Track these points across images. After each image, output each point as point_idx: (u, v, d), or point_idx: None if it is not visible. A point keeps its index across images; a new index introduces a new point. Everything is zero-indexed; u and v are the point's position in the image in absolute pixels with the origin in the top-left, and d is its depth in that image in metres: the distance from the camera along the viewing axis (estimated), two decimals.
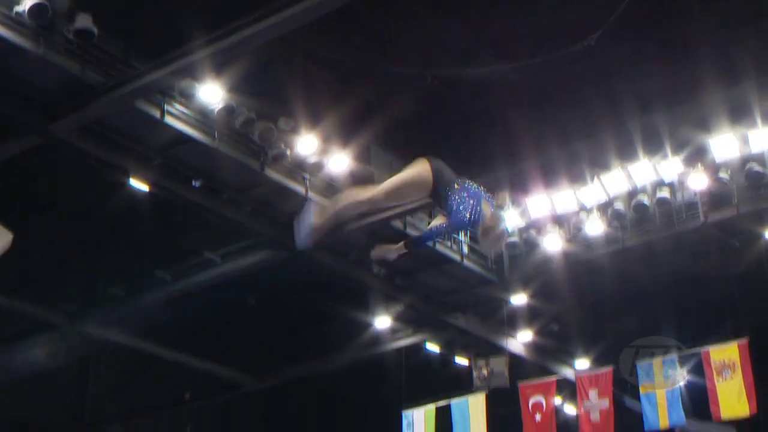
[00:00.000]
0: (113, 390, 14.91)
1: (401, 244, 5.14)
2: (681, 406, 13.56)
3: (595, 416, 14.00)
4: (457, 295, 13.11)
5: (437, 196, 5.07)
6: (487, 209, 5.00)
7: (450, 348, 14.45)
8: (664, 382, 13.65)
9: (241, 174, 10.65)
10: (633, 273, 12.30)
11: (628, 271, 12.22)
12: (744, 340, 11.98)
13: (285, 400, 15.34)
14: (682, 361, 12.79)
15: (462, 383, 14.33)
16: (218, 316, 13.56)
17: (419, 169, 5.05)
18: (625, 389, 14.32)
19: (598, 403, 13.92)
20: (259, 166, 10.55)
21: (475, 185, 5.09)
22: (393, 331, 13.87)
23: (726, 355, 12.66)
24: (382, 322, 13.71)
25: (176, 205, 11.08)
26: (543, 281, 12.56)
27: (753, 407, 12.77)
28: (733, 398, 12.91)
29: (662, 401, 13.68)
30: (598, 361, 13.97)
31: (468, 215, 4.93)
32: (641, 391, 13.75)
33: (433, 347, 14.48)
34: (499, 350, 13.91)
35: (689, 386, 13.60)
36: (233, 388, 14.59)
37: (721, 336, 12.27)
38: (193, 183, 10.67)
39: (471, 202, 4.94)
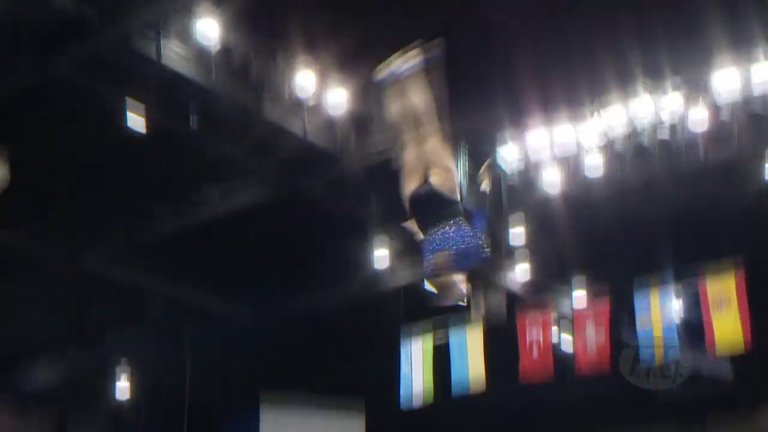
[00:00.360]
0: (111, 326, 15.01)
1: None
2: (677, 340, 13.72)
3: (592, 350, 14.18)
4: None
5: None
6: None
7: None
8: (660, 315, 13.78)
9: (239, 112, 10.59)
10: (631, 208, 12.29)
11: (626, 206, 12.21)
12: (741, 272, 12.04)
13: (283, 336, 15.46)
14: (679, 293, 12.89)
15: (460, 317, 14.43)
16: (217, 252, 13.60)
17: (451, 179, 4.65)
18: (621, 324, 14.43)
19: (594, 337, 14.08)
20: (256, 104, 10.47)
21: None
22: (391, 267, 13.91)
23: (723, 286, 12.76)
24: (381, 258, 13.73)
25: (173, 143, 11.02)
26: (541, 217, 12.56)
27: (748, 341, 12.92)
28: (728, 331, 13.05)
29: (658, 335, 13.83)
30: (595, 296, 14.04)
31: None
32: (638, 324, 13.90)
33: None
34: (497, 285, 13.98)
35: (685, 321, 13.72)
36: (232, 323, 14.73)
37: (719, 269, 12.32)
38: (191, 122, 10.62)
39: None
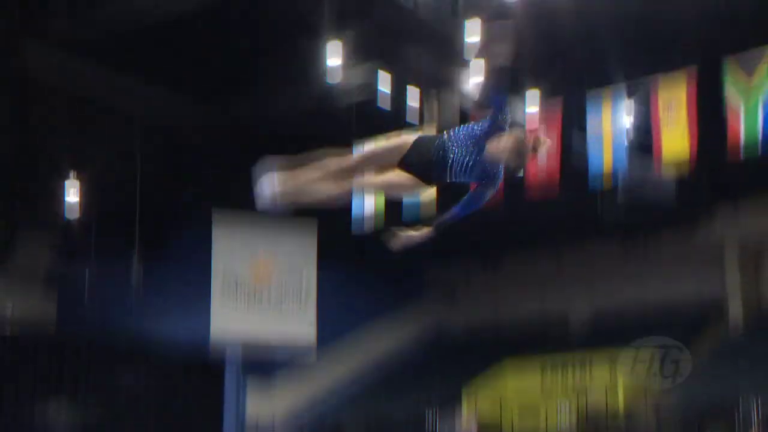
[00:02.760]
0: (60, 121, 14.61)
1: (425, 228, 4.68)
2: (625, 147, 13.82)
3: (542, 158, 14.22)
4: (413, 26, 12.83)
5: (410, 162, 4.52)
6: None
7: (401, 85, 14.28)
8: (611, 120, 13.81)
9: None
10: (588, 7, 12.08)
11: (584, 4, 12.00)
12: (693, 70, 11.95)
13: (232, 139, 15.29)
14: (630, 93, 12.83)
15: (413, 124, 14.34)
16: (168, 47, 13.16)
17: (399, 138, 4.59)
18: (572, 129, 14.43)
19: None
20: None
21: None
22: (345, 66, 13.63)
23: (674, 87, 12.72)
24: (334, 54, 13.43)
25: None
26: (496, 12, 12.28)
27: (694, 148, 13.03)
28: (675, 137, 13.15)
29: (608, 141, 13.89)
30: (548, 95, 13.97)
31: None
32: (588, 130, 13.93)
33: (384, 86, 14.29)
34: (450, 86, 13.83)
35: (635, 130, 13.76)
36: (184, 121, 14.43)
37: (672, 68, 12.25)
38: None
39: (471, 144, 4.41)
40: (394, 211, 14.51)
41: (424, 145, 4.53)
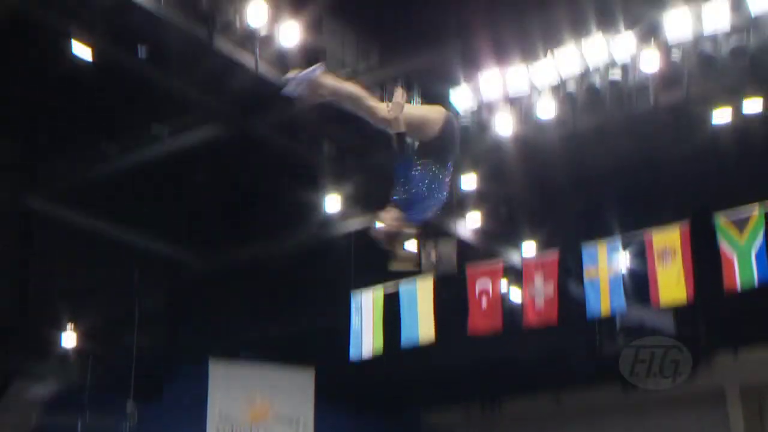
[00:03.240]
0: (57, 269, 14.70)
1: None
2: (622, 292, 13.86)
3: (540, 302, 14.22)
4: None
5: (433, 147, 4.90)
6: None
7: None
8: (607, 267, 13.90)
9: (189, 44, 10.38)
10: (582, 155, 12.38)
11: (578, 153, 12.29)
12: (686, 225, 12.18)
13: (232, 283, 15.32)
14: (626, 245, 13.00)
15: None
16: (165, 193, 13.39)
17: (436, 111, 5.02)
18: (569, 275, 14.53)
19: (543, 288, 14.14)
20: (207, 36, 10.28)
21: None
22: (343, 214, 13.82)
23: (668, 239, 12.90)
24: (332, 203, 13.64)
25: (121, 75, 10.79)
26: (493, 163, 12.56)
27: (690, 293, 13.10)
28: (672, 283, 13.21)
29: (605, 287, 13.94)
30: (545, 246, 14.12)
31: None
32: (585, 276, 14.00)
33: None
34: (448, 234, 13.98)
35: (631, 273, 13.87)
36: (181, 268, 14.52)
37: (665, 220, 12.45)
38: (139, 52, 10.38)
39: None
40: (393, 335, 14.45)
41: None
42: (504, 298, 14.31)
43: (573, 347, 16.58)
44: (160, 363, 16.83)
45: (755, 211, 11.54)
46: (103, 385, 16.04)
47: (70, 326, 15.08)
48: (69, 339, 15.32)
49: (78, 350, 15.44)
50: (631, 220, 12.98)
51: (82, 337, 15.39)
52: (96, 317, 15.14)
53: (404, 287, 14.54)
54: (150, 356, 16.11)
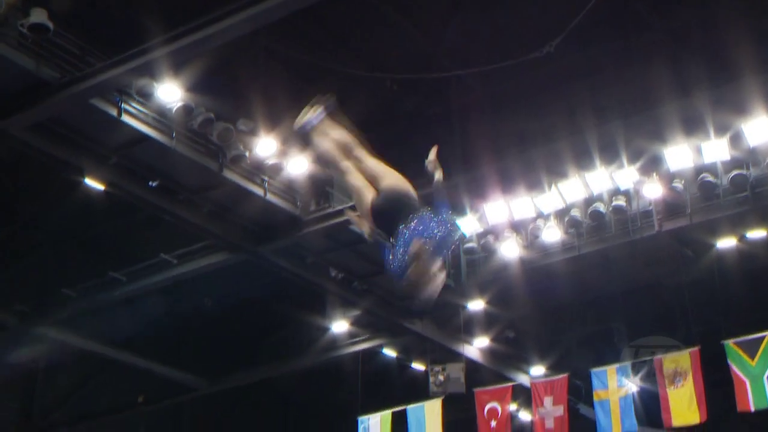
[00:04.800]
0: (65, 393, 14.65)
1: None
2: (633, 413, 13.69)
3: (550, 423, 14.07)
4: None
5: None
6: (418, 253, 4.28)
7: (407, 353, 14.46)
8: (617, 389, 13.80)
9: (199, 175, 10.57)
10: (588, 279, 12.43)
11: (583, 277, 12.34)
12: (695, 348, 12.16)
13: (240, 405, 15.21)
14: (635, 369, 12.94)
15: (418, 389, 14.33)
16: (174, 318, 13.42)
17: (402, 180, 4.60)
18: (579, 396, 14.44)
19: (552, 410, 14.00)
20: (217, 167, 10.48)
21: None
22: (350, 336, 13.84)
23: (678, 362, 12.83)
24: (340, 326, 13.68)
25: (132, 205, 10.96)
26: (500, 287, 12.61)
27: (703, 414, 12.95)
28: (684, 406, 13.08)
29: (615, 408, 13.80)
30: (553, 368, 14.05)
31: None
32: (595, 398, 13.87)
33: (390, 352, 14.48)
34: (456, 356, 13.93)
35: (642, 394, 13.76)
36: (187, 391, 14.43)
37: (673, 344, 12.44)
38: (150, 183, 10.57)
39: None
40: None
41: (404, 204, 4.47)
42: (513, 419, 14.16)
43: None
44: None
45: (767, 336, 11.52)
46: None
47: None
48: None
49: None
50: (641, 348, 12.95)
51: None
52: None
53: (412, 409, 14.39)
54: None
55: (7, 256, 12.31)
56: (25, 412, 14.66)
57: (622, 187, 11.04)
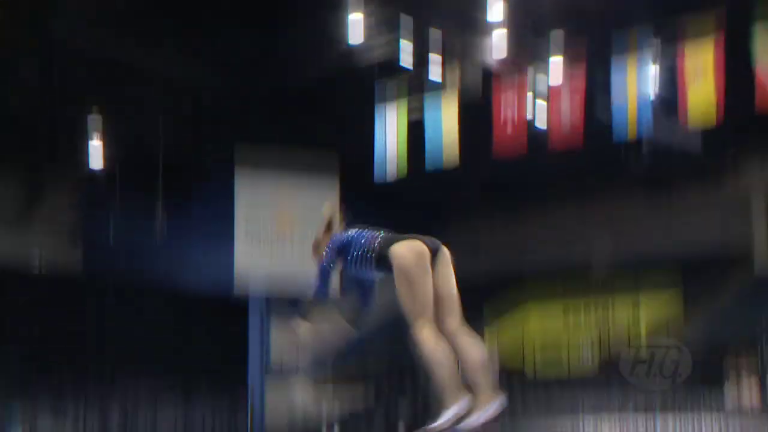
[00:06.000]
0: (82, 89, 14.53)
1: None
2: (650, 115, 13.56)
3: (565, 125, 13.96)
4: None
5: None
6: None
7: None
8: (636, 89, 13.46)
9: None
10: None
11: None
12: (720, 37, 11.69)
13: (259, 101, 15.24)
14: (657, 35, 12.61)
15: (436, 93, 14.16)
16: (185, 12, 13.05)
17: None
18: (596, 97, 14.07)
19: (569, 111, 13.85)
20: None
21: None
22: (367, 28, 13.39)
23: (701, 56, 12.55)
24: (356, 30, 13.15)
25: None
26: None
27: (720, 113, 12.79)
28: (701, 103, 12.91)
29: (632, 94, 13.55)
30: (571, 66, 13.61)
31: None
32: (612, 100, 13.58)
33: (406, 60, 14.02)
34: (473, 58, 13.57)
35: (660, 92, 13.46)
36: (204, 87, 14.35)
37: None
38: None
39: None
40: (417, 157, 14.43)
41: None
42: (529, 121, 14.04)
43: (599, 159, 16.47)
44: (187, 163, 16.95)
45: None
46: (133, 187, 16.33)
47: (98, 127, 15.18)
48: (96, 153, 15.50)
49: (106, 152, 15.59)
50: (664, 12, 12.46)
51: (111, 139, 15.50)
52: (124, 120, 15.17)
53: (429, 110, 14.35)
54: (177, 164, 16.24)
55: None
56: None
57: None
